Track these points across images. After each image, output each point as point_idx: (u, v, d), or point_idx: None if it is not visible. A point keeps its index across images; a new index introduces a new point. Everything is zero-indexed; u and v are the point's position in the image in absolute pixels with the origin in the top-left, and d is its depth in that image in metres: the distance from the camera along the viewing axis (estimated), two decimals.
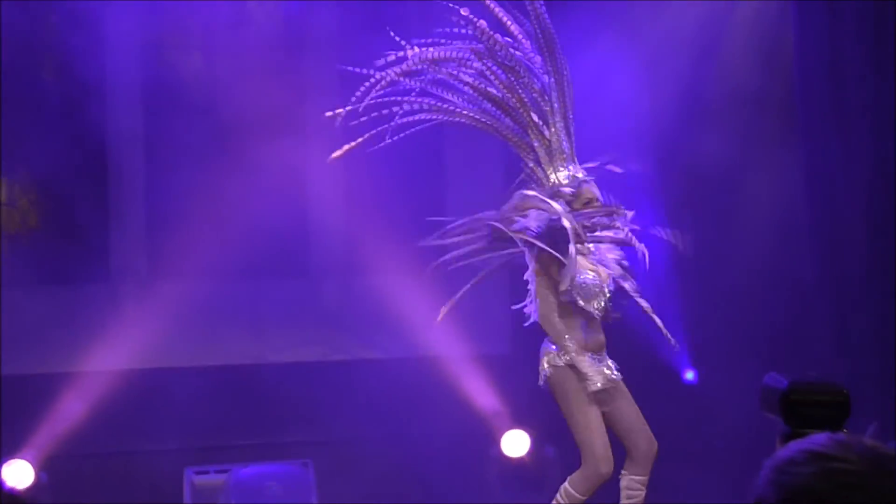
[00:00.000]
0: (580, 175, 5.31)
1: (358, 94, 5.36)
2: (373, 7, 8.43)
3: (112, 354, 7.69)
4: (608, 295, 5.24)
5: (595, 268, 5.25)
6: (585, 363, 5.11)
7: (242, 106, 8.29)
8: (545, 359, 5.22)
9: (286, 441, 8.03)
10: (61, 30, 8.10)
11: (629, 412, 5.29)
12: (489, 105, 5.35)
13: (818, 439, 1.56)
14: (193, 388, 7.86)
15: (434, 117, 5.39)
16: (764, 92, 7.68)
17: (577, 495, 5.27)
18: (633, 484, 5.33)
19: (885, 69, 6.82)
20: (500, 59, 5.29)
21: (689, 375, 7.96)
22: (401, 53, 5.33)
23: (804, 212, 7.08)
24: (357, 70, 5.35)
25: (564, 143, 5.33)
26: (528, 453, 7.87)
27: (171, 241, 8.03)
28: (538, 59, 5.32)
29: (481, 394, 7.93)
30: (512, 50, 5.29)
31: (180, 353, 7.99)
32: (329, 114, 5.43)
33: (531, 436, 7.87)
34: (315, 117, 8.46)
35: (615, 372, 5.29)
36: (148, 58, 8.31)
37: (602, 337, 5.27)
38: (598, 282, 5.21)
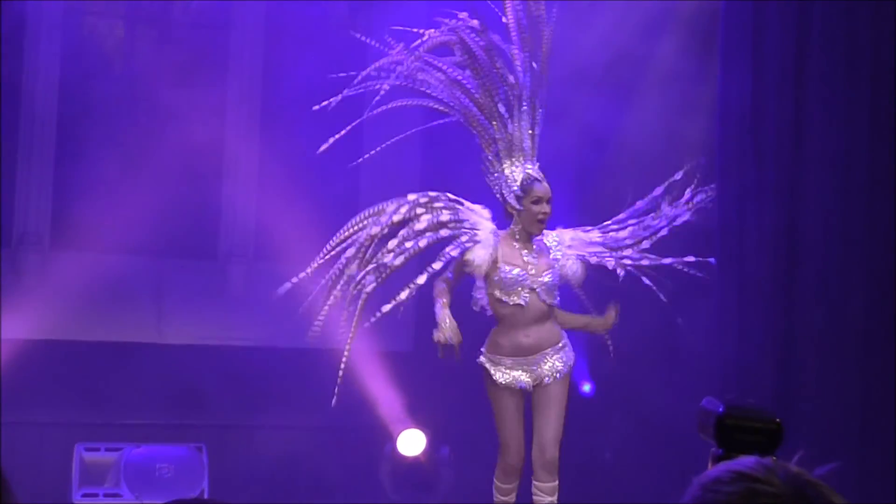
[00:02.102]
0: (533, 173, 5.56)
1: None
2: None
3: (8, 322, 7.55)
4: (537, 287, 5.56)
5: (526, 262, 5.57)
6: (443, 314, 5.41)
7: (161, 81, 8.19)
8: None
9: (181, 423, 7.95)
10: None
11: (537, 420, 5.66)
12: (459, 92, 5.60)
13: (746, 461, 1.60)
14: (90, 363, 7.75)
15: (409, 100, 5.65)
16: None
17: (496, 481, 5.74)
18: (534, 488, 5.69)
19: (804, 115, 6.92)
20: (478, 48, 5.55)
21: (587, 388, 8.03)
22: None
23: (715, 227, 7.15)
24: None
25: (526, 141, 5.57)
26: (423, 453, 7.89)
27: (78, 212, 7.91)
28: (521, 54, 5.58)
29: (380, 390, 7.93)
30: (492, 38, 5.58)
31: (78, 327, 7.86)
32: (317, 107, 5.67)
33: (427, 435, 7.89)
34: (235, 97, 8.42)
35: (545, 380, 5.61)
36: (69, 25, 8.17)
37: (529, 340, 5.61)
38: (522, 276, 5.53)
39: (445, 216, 5.49)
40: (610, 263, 5.73)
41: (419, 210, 5.46)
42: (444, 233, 5.47)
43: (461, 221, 5.51)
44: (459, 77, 5.60)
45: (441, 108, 5.65)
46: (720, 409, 2.35)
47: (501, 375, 5.62)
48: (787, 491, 1.54)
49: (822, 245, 6.86)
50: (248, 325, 8.24)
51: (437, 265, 5.43)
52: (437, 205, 5.50)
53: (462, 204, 5.59)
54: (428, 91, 5.64)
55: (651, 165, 7.58)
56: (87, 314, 7.84)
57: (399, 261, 5.40)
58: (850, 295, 6.85)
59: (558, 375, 5.64)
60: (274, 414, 8.02)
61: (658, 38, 7.79)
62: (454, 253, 5.44)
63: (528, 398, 5.72)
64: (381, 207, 5.51)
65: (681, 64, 7.66)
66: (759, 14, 6.95)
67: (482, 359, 5.69)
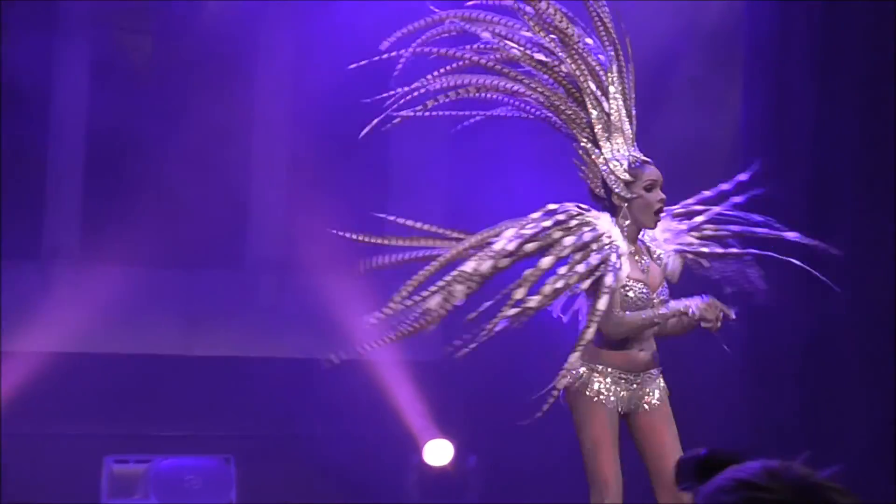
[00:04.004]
0: (640, 155, 4.73)
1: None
2: None
3: (38, 335, 7.59)
4: (657, 303, 4.68)
5: (644, 275, 4.70)
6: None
7: (188, 91, 8.22)
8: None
9: (210, 435, 7.97)
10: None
11: (656, 448, 4.74)
12: (541, 74, 4.72)
13: (750, 467, 1.57)
14: (119, 375, 7.78)
15: (479, 81, 4.74)
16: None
17: None
18: None
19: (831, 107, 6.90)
20: (551, 23, 4.69)
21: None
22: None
23: None
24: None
25: (626, 122, 4.74)
26: (451, 463, 7.87)
27: (107, 224, 7.95)
28: (594, 41, 4.77)
29: (407, 400, 7.92)
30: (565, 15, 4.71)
31: (107, 339, 7.90)
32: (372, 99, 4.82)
33: (454, 445, 7.87)
34: (262, 109, 8.44)
35: (652, 401, 4.74)
36: (98, 36, 8.23)
37: (644, 355, 4.71)
38: (646, 293, 4.68)
39: (588, 235, 4.52)
40: (705, 245, 4.79)
41: (557, 233, 4.51)
42: (594, 259, 4.47)
43: (600, 236, 4.56)
44: (541, 56, 4.68)
45: (521, 92, 4.71)
46: (703, 452, 2.28)
47: (606, 390, 4.65)
48: (791, 497, 1.51)
49: (849, 259, 6.81)
50: (277, 336, 8.26)
51: (600, 304, 4.41)
52: (573, 224, 4.54)
53: (589, 212, 4.63)
54: (501, 80, 4.72)
55: (677, 175, 7.54)
56: (117, 326, 7.88)
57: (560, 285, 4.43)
58: (877, 313, 6.79)
59: (664, 397, 4.77)
60: (302, 424, 8.02)
61: (682, 50, 7.75)
62: (610, 282, 4.44)
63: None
64: (500, 230, 4.53)
65: (705, 75, 7.62)
66: (784, 33, 6.92)
67: (583, 370, 4.67)
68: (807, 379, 6.97)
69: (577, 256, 4.48)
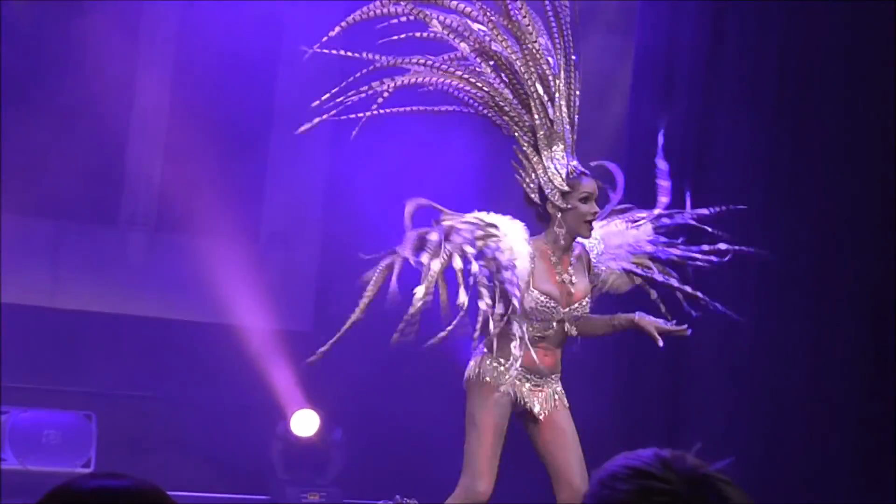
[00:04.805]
0: (579, 166, 4.74)
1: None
2: None
3: None
4: (566, 319, 4.74)
5: (555, 287, 4.70)
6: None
7: (68, 37, 8.00)
8: (473, 362, 4.77)
9: (72, 391, 7.82)
10: None
11: (557, 453, 4.79)
12: (488, 70, 4.71)
13: (644, 455, 1.58)
14: None
15: (423, 80, 4.71)
16: None
17: None
18: None
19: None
20: (509, 16, 4.69)
21: None
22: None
23: None
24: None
25: (567, 130, 4.73)
26: (316, 434, 7.85)
27: None
28: (545, 41, 4.76)
29: (276, 369, 7.86)
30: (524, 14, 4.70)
31: None
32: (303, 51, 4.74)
33: (321, 416, 7.85)
34: (143, 58, 8.26)
35: (552, 403, 4.79)
36: None
37: (549, 359, 4.76)
38: (550, 306, 4.68)
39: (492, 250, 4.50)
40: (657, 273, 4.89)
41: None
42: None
43: (505, 251, 4.52)
44: (496, 47, 4.65)
45: (466, 88, 4.70)
46: None
47: (511, 387, 4.69)
48: (683, 488, 1.52)
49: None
50: (146, 295, 8.13)
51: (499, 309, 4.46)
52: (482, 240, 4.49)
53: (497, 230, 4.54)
54: (450, 69, 4.70)
55: None
56: None
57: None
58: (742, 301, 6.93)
59: (564, 400, 4.83)
60: (168, 386, 7.92)
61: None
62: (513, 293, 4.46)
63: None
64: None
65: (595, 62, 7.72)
66: (674, 31, 7.03)
67: (489, 362, 4.71)
68: (670, 375, 7.11)
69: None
